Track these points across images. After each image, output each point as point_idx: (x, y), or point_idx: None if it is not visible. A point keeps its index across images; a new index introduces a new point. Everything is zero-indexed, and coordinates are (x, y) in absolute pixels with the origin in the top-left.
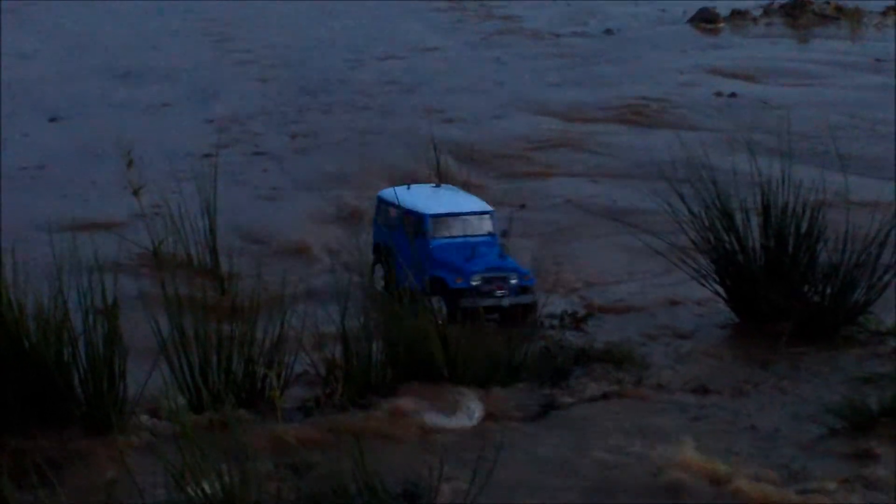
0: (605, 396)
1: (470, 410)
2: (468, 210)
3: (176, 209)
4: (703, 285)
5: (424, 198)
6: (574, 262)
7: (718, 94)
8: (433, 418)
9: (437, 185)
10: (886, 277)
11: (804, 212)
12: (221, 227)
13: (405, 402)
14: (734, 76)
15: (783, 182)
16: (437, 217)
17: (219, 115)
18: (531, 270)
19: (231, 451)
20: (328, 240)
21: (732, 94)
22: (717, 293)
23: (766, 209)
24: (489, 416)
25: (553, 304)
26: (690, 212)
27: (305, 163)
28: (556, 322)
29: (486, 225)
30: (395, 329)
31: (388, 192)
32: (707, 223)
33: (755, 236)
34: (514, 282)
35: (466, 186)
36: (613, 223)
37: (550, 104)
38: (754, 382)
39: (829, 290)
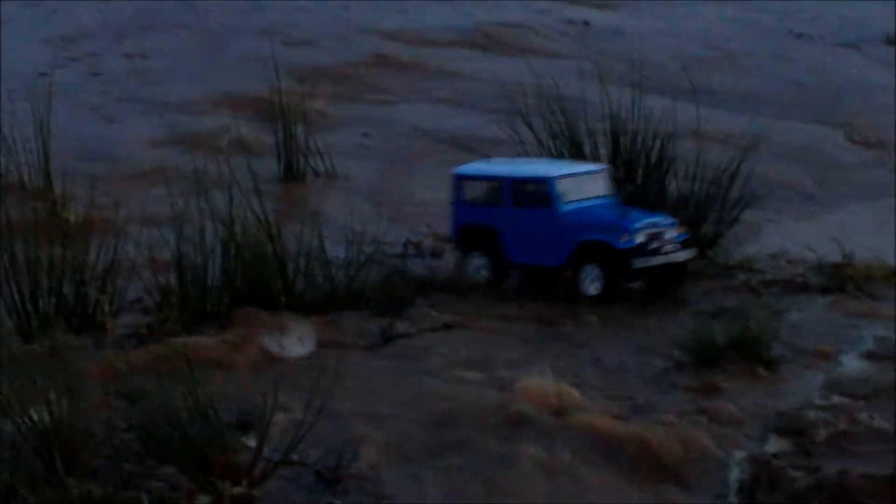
0: (447, 326)
1: (307, 338)
2: (586, 170)
3: (8, 130)
4: None
5: (526, 165)
6: (419, 190)
7: (571, 21)
8: (269, 346)
9: (517, 158)
10: (736, 211)
11: (654, 142)
12: (56, 149)
13: (241, 330)
14: (588, 4)
15: (633, 111)
16: (563, 178)
17: (55, 33)
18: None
19: (61, 379)
20: (166, 164)
21: (585, 23)
22: None
23: (614, 139)
24: (328, 344)
25: (397, 233)
26: (538, 140)
27: (144, 85)
28: (399, 250)
29: (604, 184)
30: (232, 254)
31: (472, 167)
32: (555, 152)
33: (605, 165)
34: (674, 234)
35: (308, 113)
36: (460, 151)
37: (398, 27)
38: (600, 315)
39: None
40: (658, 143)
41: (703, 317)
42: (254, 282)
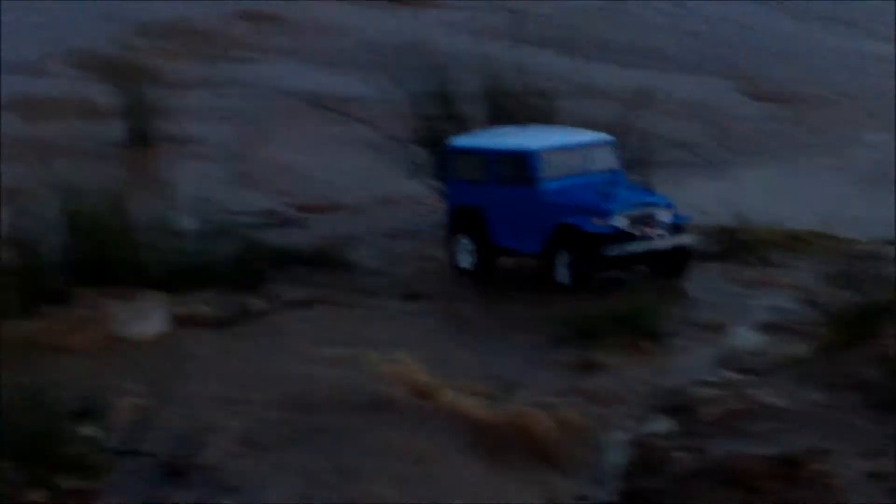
0: (306, 302)
1: (155, 317)
2: (581, 142)
3: None
4: (422, 181)
5: (520, 136)
6: (278, 154)
7: None
8: (115, 326)
9: (526, 125)
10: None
11: (536, 100)
12: None
13: (84, 309)
14: None
15: (514, 67)
16: (546, 153)
17: None
18: None
19: None
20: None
21: None
22: (437, 189)
23: (492, 97)
24: (178, 323)
25: (255, 202)
26: (409, 100)
27: None
28: (257, 220)
29: (608, 158)
30: (74, 227)
31: (463, 139)
32: (427, 112)
33: (483, 125)
34: (666, 219)
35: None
36: (323, 112)
37: None
38: (473, 288)
39: None
40: (537, 100)
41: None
42: (98, 256)
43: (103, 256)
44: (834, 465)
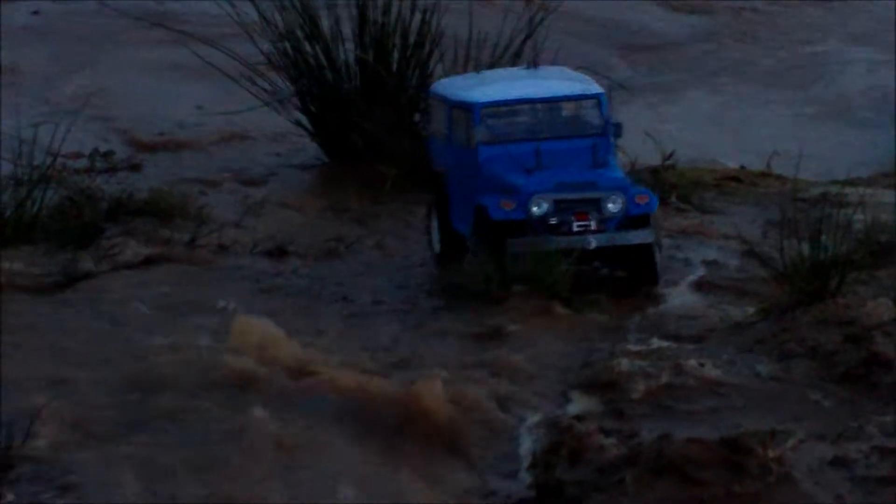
0: (148, 261)
1: None
2: (545, 95)
3: None
4: (279, 114)
5: (488, 83)
6: (107, 80)
7: None
8: None
9: (532, 66)
10: None
11: (413, 13)
12: None
13: None
14: None
15: None
16: (488, 107)
17: None
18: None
19: None
20: None
21: None
22: (300, 124)
23: (361, 10)
24: None
25: (81, 141)
26: (261, 15)
27: None
28: (84, 164)
29: (589, 117)
30: None
31: (441, 83)
32: (284, 29)
33: (349, 48)
34: (613, 207)
35: None
36: (160, 30)
37: None
38: (347, 242)
39: None
40: (417, 17)
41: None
42: None
43: None
44: (789, 450)
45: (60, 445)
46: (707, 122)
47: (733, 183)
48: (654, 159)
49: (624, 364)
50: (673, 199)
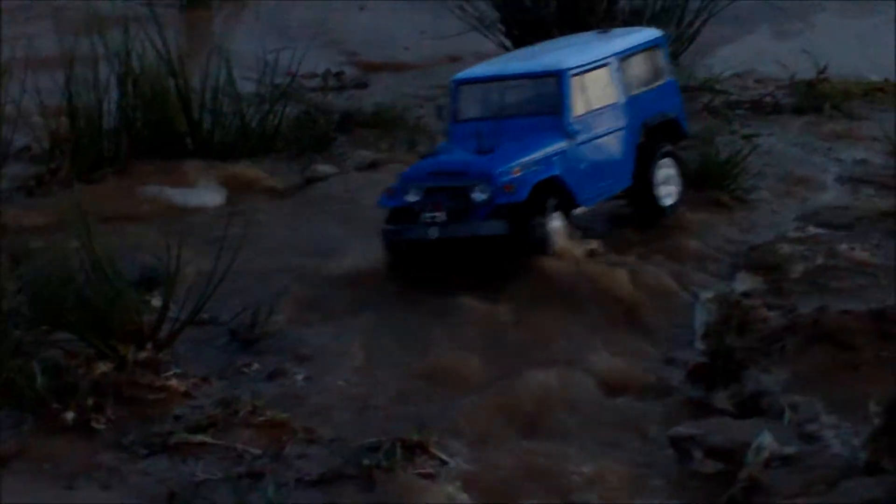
0: (372, 165)
1: (217, 185)
2: (512, 72)
3: None
4: (487, 37)
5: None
6: (337, 13)
7: None
8: (175, 195)
9: (604, 31)
10: (696, 25)
11: None
12: None
13: (143, 178)
14: None
15: None
16: (465, 83)
17: None
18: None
19: None
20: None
21: None
22: (504, 46)
23: None
24: (240, 190)
25: (316, 63)
26: None
27: None
28: (318, 83)
29: (547, 95)
30: (130, 93)
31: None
32: None
33: None
34: (479, 195)
35: None
36: None
37: None
38: None
39: None
40: None
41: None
42: (155, 123)
43: (162, 123)
44: None
45: (297, 323)
46: (853, 40)
47: (878, 93)
48: (810, 74)
49: (784, 248)
50: (826, 107)
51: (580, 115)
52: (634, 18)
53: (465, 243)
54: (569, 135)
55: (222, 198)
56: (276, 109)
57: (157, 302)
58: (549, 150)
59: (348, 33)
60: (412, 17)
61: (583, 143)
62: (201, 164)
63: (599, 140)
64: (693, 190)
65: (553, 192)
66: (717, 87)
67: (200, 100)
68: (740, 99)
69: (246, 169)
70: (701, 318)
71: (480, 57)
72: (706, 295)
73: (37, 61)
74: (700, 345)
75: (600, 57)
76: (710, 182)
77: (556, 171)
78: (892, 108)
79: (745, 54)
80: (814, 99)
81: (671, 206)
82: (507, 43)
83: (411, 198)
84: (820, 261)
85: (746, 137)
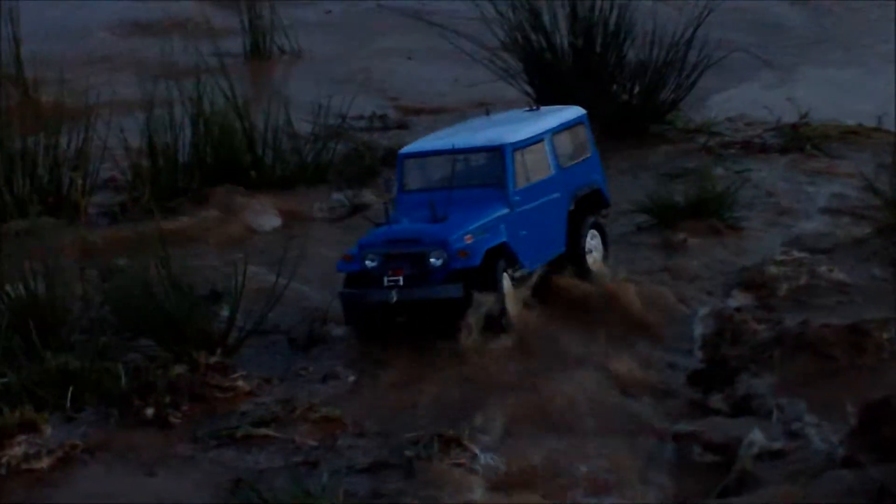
0: None
1: (276, 212)
2: (458, 146)
3: None
4: (512, 85)
5: (435, 135)
6: (383, 62)
7: None
8: (241, 221)
9: (533, 109)
10: (694, 76)
11: (612, 10)
12: (27, 34)
13: (212, 206)
14: None
15: None
16: (410, 158)
17: None
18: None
19: (37, 256)
20: (134, 49)
21: None
22: (527, 93)
23: (573, 7)
24: (296, 216)
25: (362, 106)
26: (497, 11)
27: None
28: (364, 124)
29: (491, 168)
30: (202, 132)
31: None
32: (515, 22)
33: (563, 35)
34: (436, 261)
35: None
36: (423, 24)
37: None
38: None
39: (637, 89)
40: (615, 13)
41: (664, 178)
42: (223, 158)
43: (229, 158)
44: None
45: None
46: (830, 87)
47: (853, 135)
48: (793, 118)
49: (772, 270)
50: (808, 147)
51: (521, 187)
52: (640, 70)
53: (422, 305)
54: (511, 204)
55: (280, 223)
56: (329, 146)
57: (225, 313)
58: (496, 217)
59: (391, 81)
60: (448, 67)
61: (524, 212)
62: (264, 194)
63: (538, 209)
64: (692, 218)
65: (500, 256)
66: (713, 129)
67: (263, 138)
68: (733, 140)
69: (302, 198)
70: (699, 330)
71: (507, 103)
72: (704, 310)
73: (120, 105)
74: (698, 353)
75: (537, 132)
76: (707, 212)
77: (504, 238)
78: (866, 148)
79: (737, 101)
80: (797, 140)
81: (595, 271)
82: (529, 90)
83: (370, 263)
84: (803, 281)
85: (738, 173)
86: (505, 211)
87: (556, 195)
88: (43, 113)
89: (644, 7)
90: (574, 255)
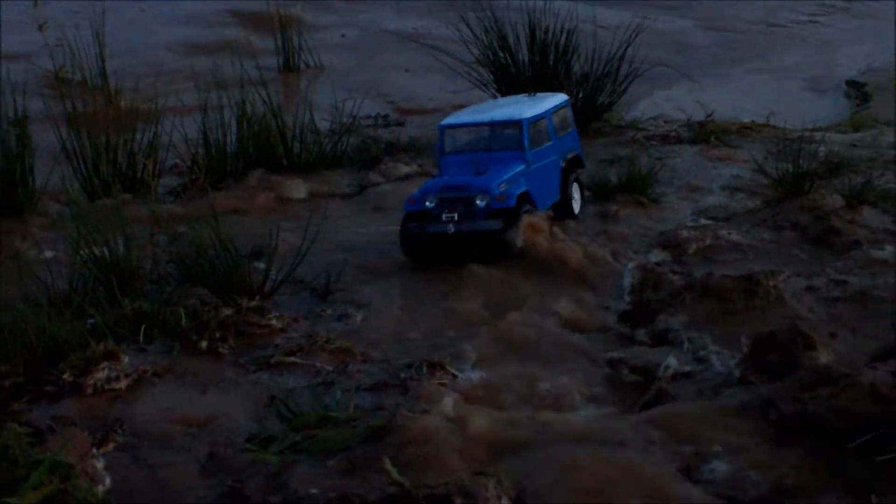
0: (408, 176)
1: (303, 190)
2: (492, 119)
3: (73, 41)
4: (484, 92)
5: (465, 111)
6: (387, 74)
7: None
8: (274, 195)
9: (532, 94)
10: (625, 85)
11: (562, 33)
12: (110, 52)
13: (253, 185)
14: None
15: (545, 10)
16: (450, 128)
17: None
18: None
19: (117, 225)
20: (193, 65)
21: None
22: (495, 97)
23: (532, 32)
24: (318, 194)
25: (369, 109)
26: (474, 34)
27: (170, 3)
28: (370, 122)
29: (514, 136)
30: (245, 129)
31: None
32: (486, 42)
33: (524, 53)
34: (480, 203)
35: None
36: (417, 45)
37: None
38: None
39: (581, 94)
40: (564, 35)
41: (602, 164)
42: (261, 149)
43: (266, 149)
44: (782, 282)
45: (356, 282)
46: (732, 94)
47: (748, 130)
48: (701, 117)
49: (684, 233)
50: (713, 139)
51: (533, 150)
52: (583, 80)
53: (470, 236)
54: (527, 163)
55: (306, 194)
56: (343, 140)
57: (262, 267)
58: (517, 172)
59: (392, 88)
60: (436, 78)
61: (535, 169)
62: (292, 175)
63: (543, 168)
64: (623, 194)
65: (523, 200)
66: (639, 125)
67: (292, 133)
68: (655, 133)
69: (322, 180)
70: (628, 280)
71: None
72: (631, 264)
73: (182, 108)
74: (627, 298)
75: (542, 111)
76: (635, 189)
77: (525, 187)
78: (758, 140)
79: (658, 104)
80: (704, 134)
81: (578, 212)
82: (498, 96)
83: (429, 204)
84: (708, 242)
85: (658, 159)
86: (523, 167)
87: (553, 157)
88: (122, 115)
89: (587, 31)
90: (564, 201)
